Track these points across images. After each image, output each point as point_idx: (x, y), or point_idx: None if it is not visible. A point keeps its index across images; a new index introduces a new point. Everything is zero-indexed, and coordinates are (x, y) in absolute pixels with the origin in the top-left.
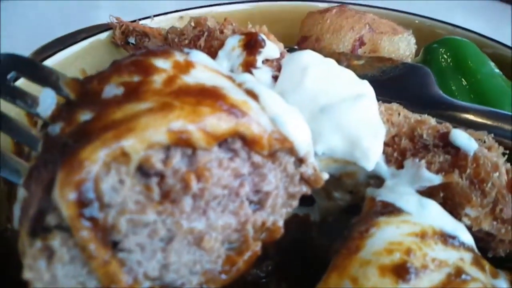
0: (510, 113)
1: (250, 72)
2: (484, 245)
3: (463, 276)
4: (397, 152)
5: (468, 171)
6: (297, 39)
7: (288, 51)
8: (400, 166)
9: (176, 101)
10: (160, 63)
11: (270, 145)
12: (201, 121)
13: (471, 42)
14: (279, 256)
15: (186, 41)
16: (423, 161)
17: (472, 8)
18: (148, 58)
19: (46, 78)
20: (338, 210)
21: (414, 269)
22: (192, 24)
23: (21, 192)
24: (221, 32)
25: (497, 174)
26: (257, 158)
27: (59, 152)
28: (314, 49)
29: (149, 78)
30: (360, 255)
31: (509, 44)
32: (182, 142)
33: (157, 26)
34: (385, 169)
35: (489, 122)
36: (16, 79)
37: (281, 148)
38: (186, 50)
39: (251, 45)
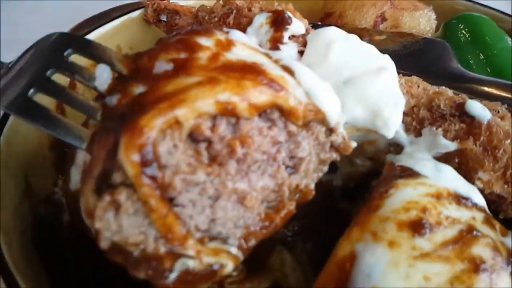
0: None
1: (278, 48)
2: (496, 207)
3: (474, 233)
4: (416, 121)
5: (481, 138)
6: (321, 15)
7: (312, 27)
8: (418, 134)
9: (221, 76)
10: (204, 41)
11: (305, 116)
12: (244, 94)
13: (489, 19)
14: (305, 218)
15: (216, 19)
16: (440, 129)
17: None
18: (192, 37)
19: (100, 55)
20: (359, 176)
21: (428, 225)
22: (221, 2)
23: (81, 157)
24: (249, 10)
25: (508, 141)
26: (292, 128)
27: (119, 120)
28: (337, 25)
29: (195, 55)
30: (380, 213)
31: None
32: (228, 112)
33: (187, 4)
34: (404, 137)
35: (503, 94)
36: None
37: (314, 118)
38: (225, 29)
39: (278, 22)
